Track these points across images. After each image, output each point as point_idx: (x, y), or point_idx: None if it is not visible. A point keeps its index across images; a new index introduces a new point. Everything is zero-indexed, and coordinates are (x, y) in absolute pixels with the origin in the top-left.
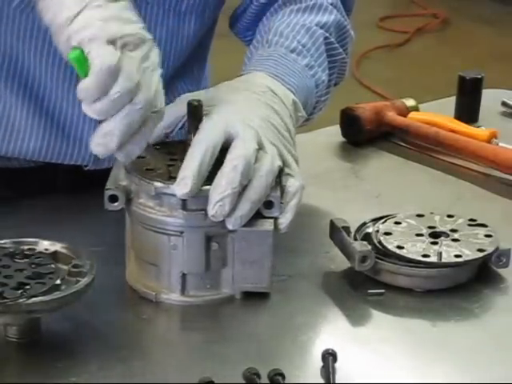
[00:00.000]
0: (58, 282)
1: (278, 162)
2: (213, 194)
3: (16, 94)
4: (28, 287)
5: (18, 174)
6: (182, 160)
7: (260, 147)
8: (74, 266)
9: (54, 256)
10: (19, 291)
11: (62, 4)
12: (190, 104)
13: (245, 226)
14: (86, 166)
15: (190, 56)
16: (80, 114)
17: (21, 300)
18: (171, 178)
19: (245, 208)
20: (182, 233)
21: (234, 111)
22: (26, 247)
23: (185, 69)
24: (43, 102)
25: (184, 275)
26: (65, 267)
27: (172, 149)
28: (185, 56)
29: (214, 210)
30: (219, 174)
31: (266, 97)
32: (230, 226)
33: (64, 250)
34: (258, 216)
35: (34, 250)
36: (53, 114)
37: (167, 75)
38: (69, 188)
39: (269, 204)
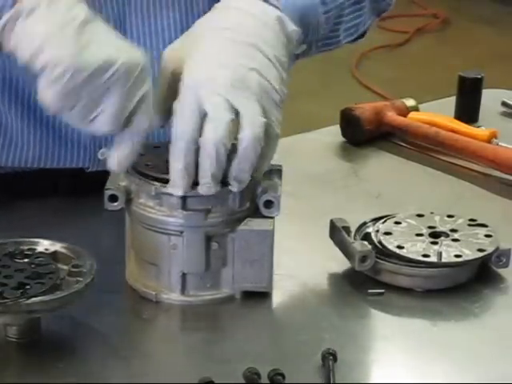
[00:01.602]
0: (58, 282)
1: (259, 123)
2: (198, 179)
3: (9, 103)
4: (28, 287)
5: (17, 179)
6: None
7: (236, 113)
8: (74, 266)
9: (54, 256)
10: (19, 291)
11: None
12: None
13: (245, 225)
14: (87, 168)
15: None
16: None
17: (21, 300)
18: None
19: (240, 176)
20: (181, 232)
21: (203, 76)
22: (25, 247)
23: None
24: (38, 109)
25: (184, 275)
26: (65, 267)
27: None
28: None
29: (203, 190)
30: (199, 161)
31: (238, 32)
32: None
33: (64, 250)
34: (257, 216)
35: (34, 250)
36: (47, 120)
37: None
38: (69, 191)
39: (269, 204)
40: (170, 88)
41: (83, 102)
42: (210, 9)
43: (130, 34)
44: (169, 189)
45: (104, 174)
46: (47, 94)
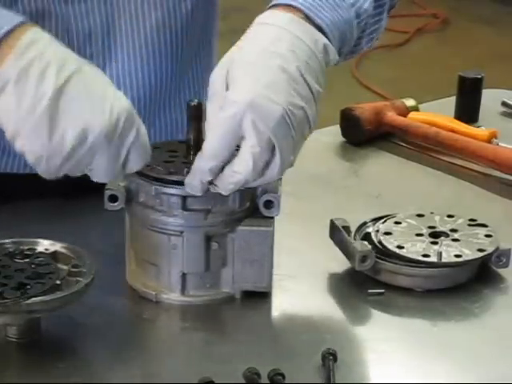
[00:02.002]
0: (58, 282)
1: (288, 164)
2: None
3: None
4: (28, 287)
5: (16, 180)
6: (183, 157)
7: (272, 148)
8: (74, 266)
9: (54, 256)
10: (19, 291)
11: None
12: (189, 105)
13: (245, 225)
14: None
15: (191, 38)
16: None
17: (21, 300)
18: (170, 173)
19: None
20: (181, 232)
21: (252, 102)
22: (25, 247)
23: (190, 52)
24: None
25: (184, 275)
26: (65, 267)
27: (172, 147)
28: (186, 38)
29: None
30: (218, 181)
31: (290, 62)
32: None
33: (64, 250)
34: (257, 216)
35: (34, 249)
36: None
37: (176, 58)
38: (61, 192)
39: (269, 204)
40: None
41: (72, 169)
42: (195, 8)
43: (119, 34)
44: (186, 187)
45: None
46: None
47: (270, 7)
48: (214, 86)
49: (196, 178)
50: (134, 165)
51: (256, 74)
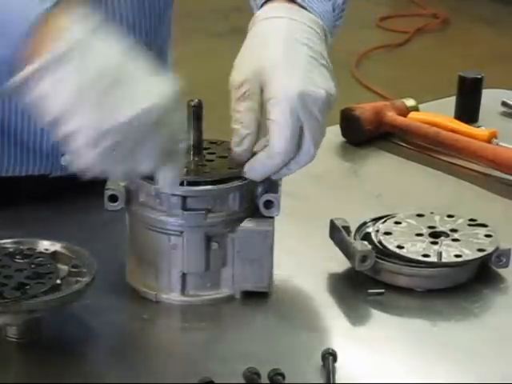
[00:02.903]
0: (58, 282)
1: (319, 142)
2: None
3: None
4: (28, 287)
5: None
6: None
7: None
8: (74, 266)
9: (54, 256)
10: (19, 291)
11: None
12: (189, 104)
13: (245, 225)
14: (49, 174)
15: (145, 26)
16: (32, 126)
17: (21, 300)
18: None
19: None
20: (181, 232)
21: (302, 93)
22: (25, 247)
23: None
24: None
25: (184, 275)
26: (65, 267)
27: None
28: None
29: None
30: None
31: (313, 49)
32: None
33: (64, 250)
34: (257, 216)
35: (34, 250)
36: (9, 129)
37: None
38: (61, 192)
39: (269, 204)
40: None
41: (125, 155)
42: None
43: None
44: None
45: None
46: (85, 158)
47: (265, 3)
48: (245, 87)
49: (259, 174)
50: (178, 154)
51: (291, 67)
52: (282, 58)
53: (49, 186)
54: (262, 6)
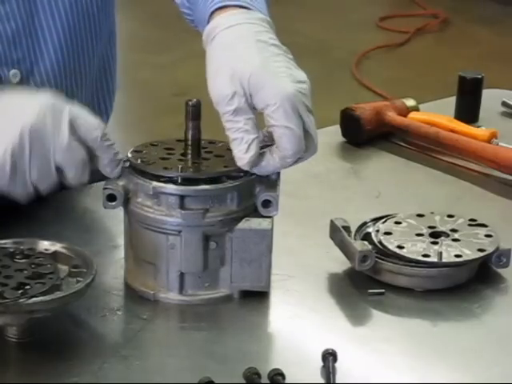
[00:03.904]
0: (58, 282)
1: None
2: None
3: None
4: (28, 287)
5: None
6: (180, 154)
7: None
8: (74, 266)
9: (54, 256)
10: (19, 291)
11: None
12: (188, 104)
13: (243, 225)
14: None
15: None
16: None
17: (21, 300)
18: (165, 168)
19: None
20: (179, 232)
21: (291, 90)
22: (25, 247)
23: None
24: None
25: (182, 274)
26: (65, 267)
27: (170, 145)
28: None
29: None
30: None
31: (278, 46)
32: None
33: (64, 250)
34: (256, 215)
35: (34, 250)
36: None
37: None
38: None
39: (267, 203)
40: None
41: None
42: None
43: (41, 32)
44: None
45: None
46: None
47: (213, 14)
48: (236, 99)
49: (270, 172)
50: (91, 137)
51: (274, 71)
52: (262, 64)
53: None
54: (210, 17)
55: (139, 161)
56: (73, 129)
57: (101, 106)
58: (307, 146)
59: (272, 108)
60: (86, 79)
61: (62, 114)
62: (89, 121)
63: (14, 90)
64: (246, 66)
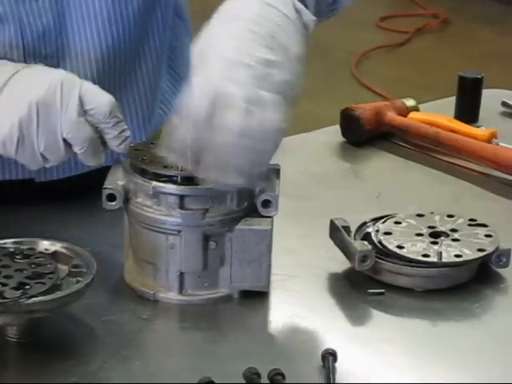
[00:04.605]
0: (58, 282)
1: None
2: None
3: None
4: (28, 287)
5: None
6: None
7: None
8: (74, 266)
9: (54, 256)
10: (19, 291)
11: None
12: None
13: (242, 225)
14: (33, 179)
15: (142, 27)
16: None
17: (21, 300)
18: (165, 167)
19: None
20: (179, 232)
21: (223, 66)
22: (25, 247)
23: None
24: None
25: (182, 274)
26: (65, 267)
27: None
28: (137, 27)
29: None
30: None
31: (259, 24)
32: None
33: (64, 250)
34: (255, 215)
35: (34, 250)
36: None
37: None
38: (61, 192)
39: (266, 203)
40: None
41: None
42: None
43: (71, 32)
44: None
45: (102, 174)
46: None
47: None
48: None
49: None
50: (100, 111)
51: (221, 47)
52: (216, 38)
53: (49, 187)
54: None
55: (139, 159)
56: (82, 104)
57: (125, 108)
58: None
59: None
60: (115, 82)
61: (71, 90)
62: (98, 96)
63: (29, 66)
64: (207, 33)
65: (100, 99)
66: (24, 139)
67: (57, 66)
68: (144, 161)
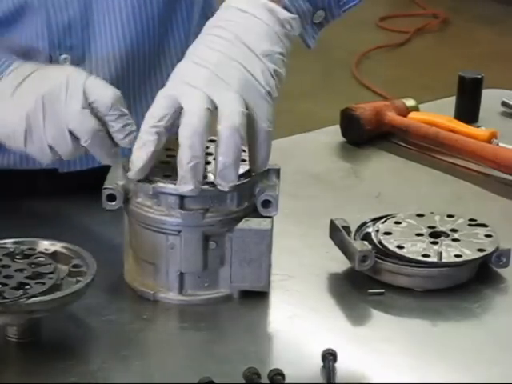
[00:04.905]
0: (58, 282)
1: (238, 114)
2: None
3: None
4: (28, 287)
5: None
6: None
7: (213, 106)
8: (74, 266)
9: (54, 256)
10: (19, 291)
11: None
12: None
13: (242, 225)
14: (56, 169)
15: (166, 22)
16: None
17: (21, 300)
18: (165, 176)
19: (224, 172)
20: (179, 232)
21: (183, 71)
22: (25, 247)
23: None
24: None
25: (182, 274)
26: (65, 267)
27: (170, 145)
28: (161, 22)
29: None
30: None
31: (225, 29)
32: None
33: (64, 250)
34: (255, 215)
35: (34, 249)
36: None
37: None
38: (52, 188)
39: (266, 203)
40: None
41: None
42: None
43: (98, 25)
44: (179, 188)
45: (102, 173)
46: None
47: None
48: None
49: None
50: (102, 103)
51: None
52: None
53: (50, 185)
54: None
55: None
56: (86, 97)
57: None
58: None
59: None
60: (139, 76)
61: (76, 83)
62: (102, 89)
63: (43, 68)
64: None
65: (103, 92)
66: (32, 131)
67: (82, 58)
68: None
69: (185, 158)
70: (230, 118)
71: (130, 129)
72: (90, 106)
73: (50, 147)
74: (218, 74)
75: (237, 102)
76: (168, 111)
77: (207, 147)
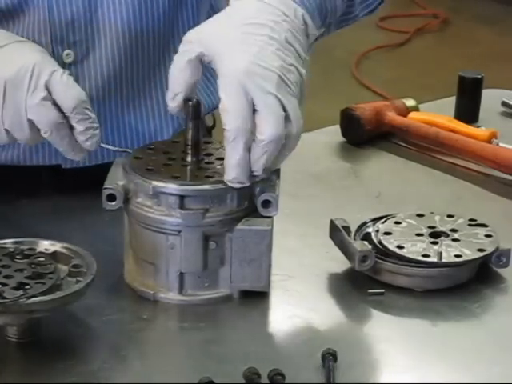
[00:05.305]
0: (58, 282)
1: (301, 122)
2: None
3: None
4: (28, 287)
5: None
6: (181, 159)
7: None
8: (74, 266)
9: (54, 256)
10: (19, 291)
11: None
12: (187, 104)
13: (243, 225)
14: (60, 165)
15: (172, 18)
16: None
17: (21, 300)
18: (173, 177)
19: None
20: (179, 232)
21: (245, 69)
22: (25, 247)
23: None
24: None
25: (182, 274)
26: (65, 267)
27: (167, 148)
28: (166, 19)
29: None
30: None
31: (275, 30)
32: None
33: (64, 250)
34: (255, 215)
35: (34, 249)
36: None
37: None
38: (52, 187)
39: (266, 203)
40: (194, 68)
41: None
42: None
43: (102, 21)
44: (228, 184)
45: (102, 173)
46: None
47: None
48: (191, 45)
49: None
50: (65, 104)
51: (244, 47)
52: (236, 39)
53: (53, 181)
54: None
55: (144, 168)
56: (49, 91)
57: (153, 99)
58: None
59: (221, 79)
60: (143, 73)
61: (41, 74)
62: (66, 89)
63: (18, 41)
64: (222, 34)
65: (67, 92)
66: None
67: (85, 54)
68: (148, 170)
69: (264, 160)
70: (298, 127)
71: (92, 132)
72: (52, 99)
73: (7, 131)
74: (283, 78)
75: (299, 110)
76: (251, 122)
77: (204, 148)
